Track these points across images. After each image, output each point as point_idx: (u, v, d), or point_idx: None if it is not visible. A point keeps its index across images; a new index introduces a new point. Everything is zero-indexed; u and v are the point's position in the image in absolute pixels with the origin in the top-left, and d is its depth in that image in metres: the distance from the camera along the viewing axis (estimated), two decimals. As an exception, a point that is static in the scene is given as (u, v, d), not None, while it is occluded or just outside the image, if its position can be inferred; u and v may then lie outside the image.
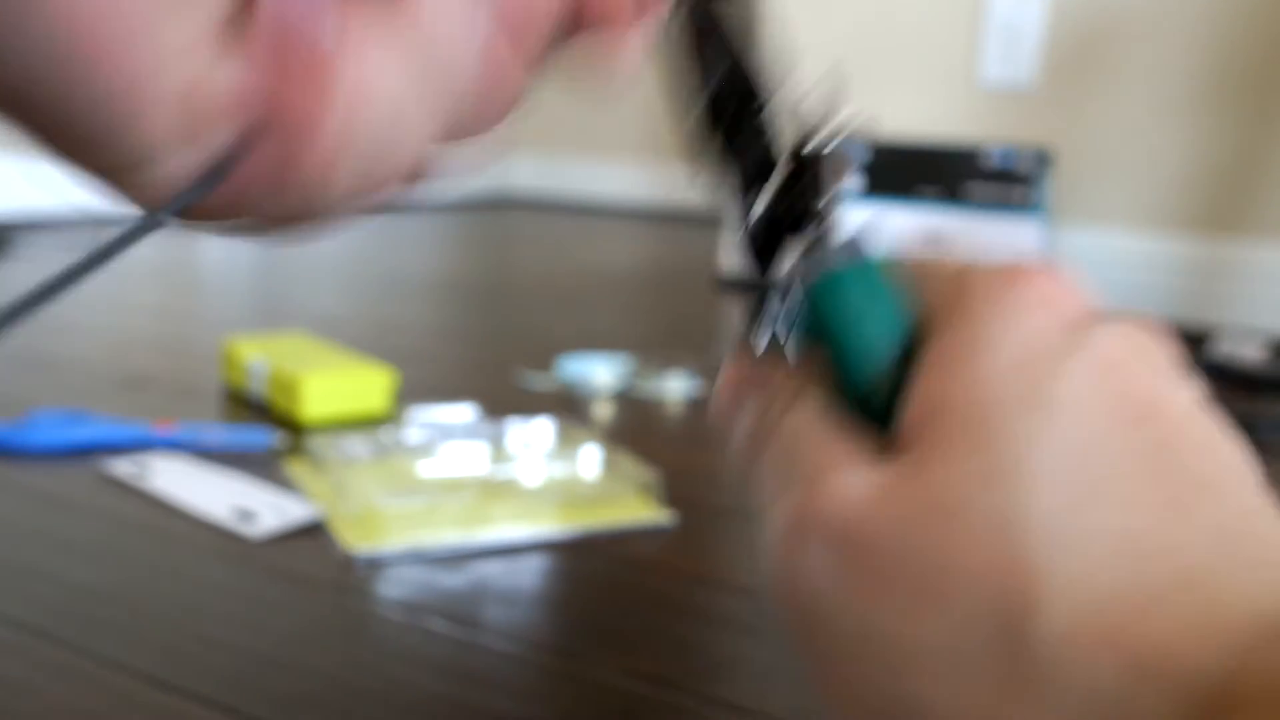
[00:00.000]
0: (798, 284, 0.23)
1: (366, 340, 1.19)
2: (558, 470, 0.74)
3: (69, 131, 0.18)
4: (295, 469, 0.74)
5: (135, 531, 0.63)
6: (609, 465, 0.75)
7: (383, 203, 0.22)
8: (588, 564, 0.61)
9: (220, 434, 0.78)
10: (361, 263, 1.87)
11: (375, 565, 0.60)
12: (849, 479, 0.21)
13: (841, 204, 0.24)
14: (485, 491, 0.70)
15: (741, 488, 0.28)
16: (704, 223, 3.12)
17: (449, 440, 0.79)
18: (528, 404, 0.95)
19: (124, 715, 0.44)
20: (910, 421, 0.21)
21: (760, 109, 0.24)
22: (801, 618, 0.22)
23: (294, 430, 0.83)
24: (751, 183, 0.25)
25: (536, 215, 3.13)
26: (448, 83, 0.21)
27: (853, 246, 0.24)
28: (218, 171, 0.19)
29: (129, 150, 0.18)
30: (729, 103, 0.24)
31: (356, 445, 0.76)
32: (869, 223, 0.24)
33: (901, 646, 0.20)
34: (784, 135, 0.24)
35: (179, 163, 0.19)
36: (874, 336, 0.23)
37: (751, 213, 0.24)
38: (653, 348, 1.22)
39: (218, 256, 1.78)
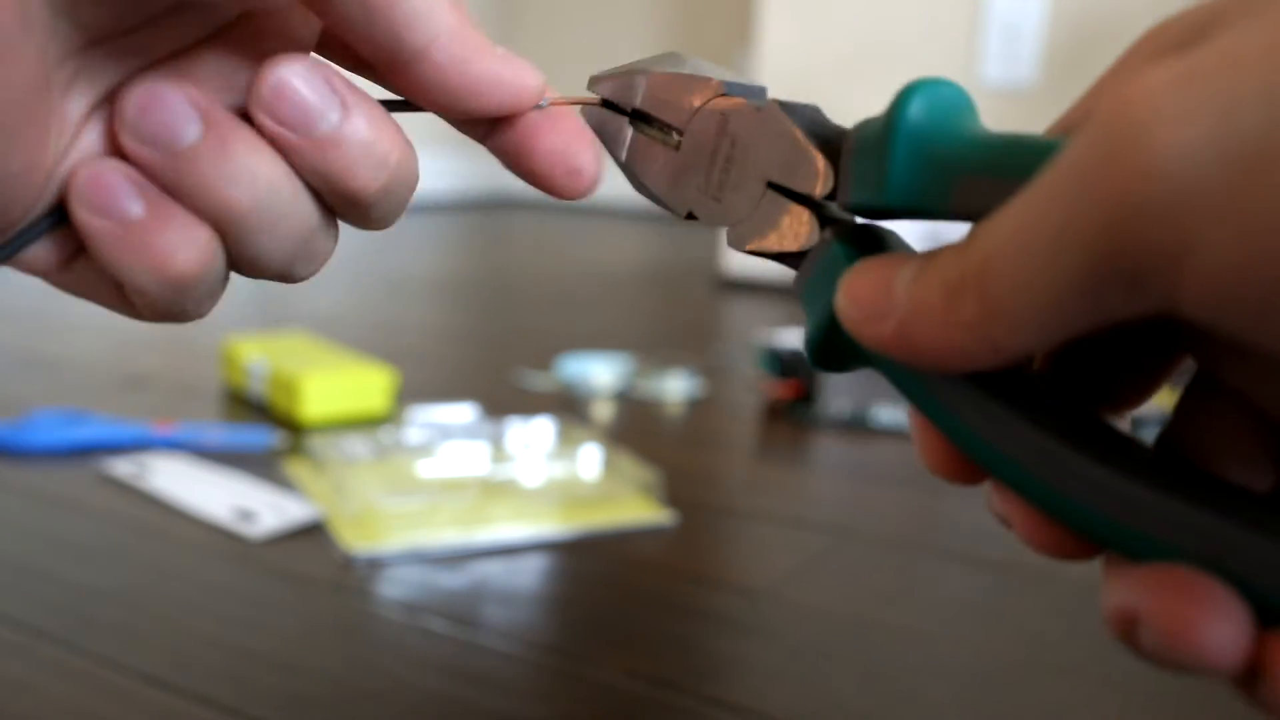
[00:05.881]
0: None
1: (366, 340, 1.19)
2: (558, 470, 0.74)
3: None
4: (295, 469, 0.74)
5: (135, 531, 0.63)
6: (609, 465, 0.75)
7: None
8: (588, 564, 0.61)
9: (220, 434, 0.78)
10: (361, 263, 1.87)
11: (375, 565, 0.60)
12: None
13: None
14: (485, 491, 0.70)
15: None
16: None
17: (449, 440, 0.79)
18: (528, 404, 0.95)
19: (124, 715, 0.44)
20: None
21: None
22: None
23: (294, 430, 0.83)
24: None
25: (536, 215, 3.13)
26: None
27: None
28: (39, 226, 0.22)
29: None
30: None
31: (356, 445, 0.76)
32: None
33: None
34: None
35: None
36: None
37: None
38: (653, 348, 1.22)
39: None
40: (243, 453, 0.77)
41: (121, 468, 0.72)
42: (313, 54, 0.22)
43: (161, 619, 0.52)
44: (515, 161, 0.25)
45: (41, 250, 0.23)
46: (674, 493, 0.74)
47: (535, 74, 0.24)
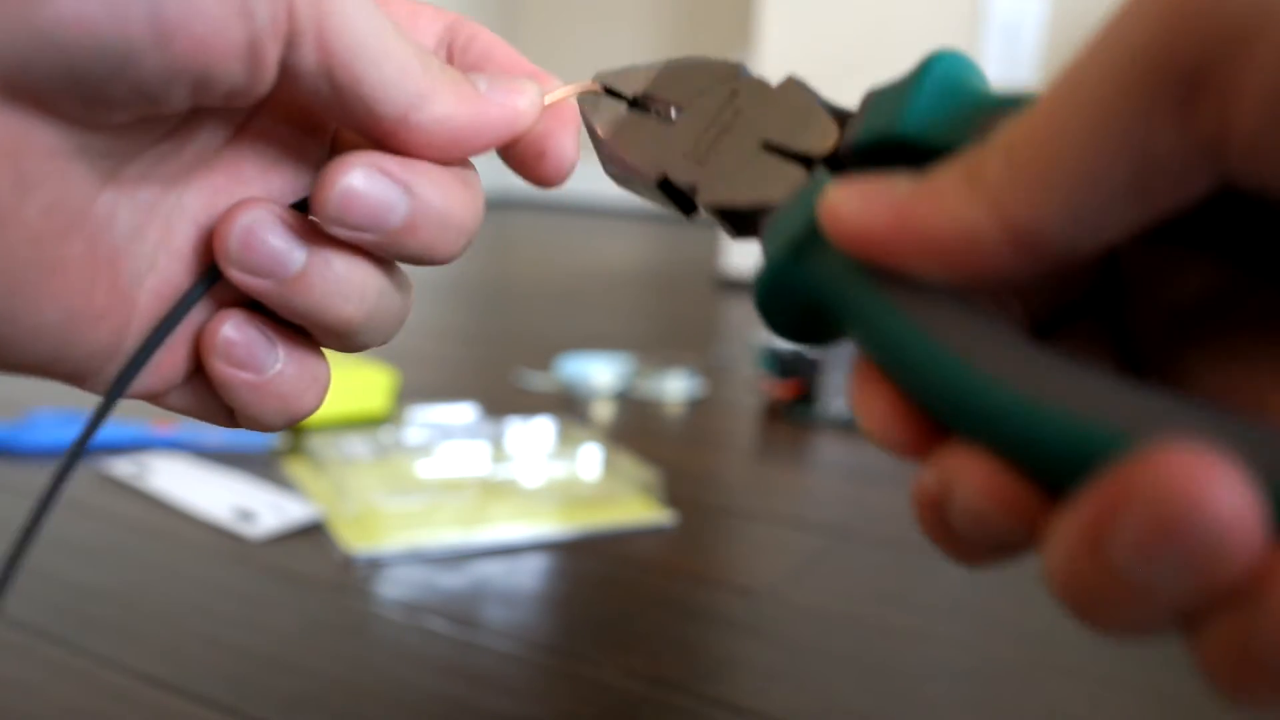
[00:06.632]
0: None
1: (366, 340, 1.19)
2: (558, 470, 0.74)
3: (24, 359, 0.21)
4: (295, 469, 0.74)
5: (135, 531, 0.63)
6: (609, 465, 0.75)
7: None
8: (588, 564, 0.61)
9: (220, 434, 0.78)
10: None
11: (375, 565, 0.60)
12: None
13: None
14: (485, 491, 0.70)
15: None
16: (704, 223, 3.12)
17: (449, 440, 0.79)
18: (528, 404, 0.95)
19: (124, 715, 0.44)
20: None
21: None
22: None
23: (294, 430, 0.83)
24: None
25: (536, 215, 3.13)
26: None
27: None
28: (141, 357, 0.22)
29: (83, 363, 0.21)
30: None
31: (356, 445, 0.76)
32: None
33: None
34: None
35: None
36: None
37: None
38: (653, 348, 1.22)
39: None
40: (243, 453, 0.77)
41: (121, 468, 0.72)
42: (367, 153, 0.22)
43: (161, 619, 0.52)
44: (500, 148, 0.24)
45: (147, 380, 0.23)
46: (674, 493, 0.74)
47: (526, 93, 0.23)
